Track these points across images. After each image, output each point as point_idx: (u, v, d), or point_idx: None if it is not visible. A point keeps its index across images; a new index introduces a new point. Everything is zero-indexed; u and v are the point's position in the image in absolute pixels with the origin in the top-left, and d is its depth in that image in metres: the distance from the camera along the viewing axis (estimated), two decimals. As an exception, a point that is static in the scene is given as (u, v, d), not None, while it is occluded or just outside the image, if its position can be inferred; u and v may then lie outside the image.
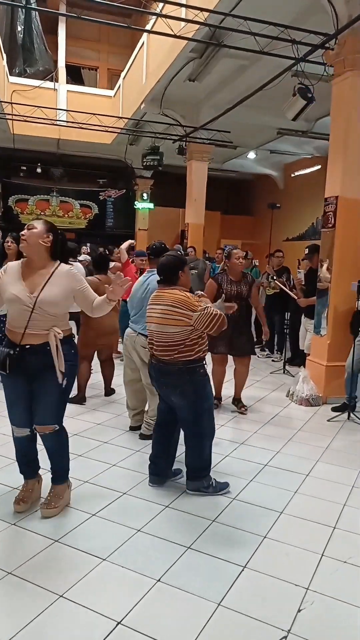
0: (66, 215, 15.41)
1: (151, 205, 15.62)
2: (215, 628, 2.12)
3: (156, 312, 3.21)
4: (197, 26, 6.02)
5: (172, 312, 3.13)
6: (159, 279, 3.32)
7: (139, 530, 2.82)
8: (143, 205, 15.54)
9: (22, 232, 2.86)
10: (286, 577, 2.47)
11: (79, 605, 2.21)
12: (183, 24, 6.18)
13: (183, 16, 6.00)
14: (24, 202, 14.99)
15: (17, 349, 2.76)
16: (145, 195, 15.31)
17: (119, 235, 16.84)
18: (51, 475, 3.04)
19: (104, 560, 2.54)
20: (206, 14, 5.59)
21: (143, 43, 9.89)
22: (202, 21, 5.66)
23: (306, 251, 6.51)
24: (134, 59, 10.88)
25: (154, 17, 7.73)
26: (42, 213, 15.11)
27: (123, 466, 3.67)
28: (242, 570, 2.51)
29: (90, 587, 2.34)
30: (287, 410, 5.26)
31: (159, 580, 2.40)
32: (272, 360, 7.82)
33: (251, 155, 13.69)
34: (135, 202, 15.69)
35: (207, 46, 6.98)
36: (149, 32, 6.51)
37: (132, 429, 4.41)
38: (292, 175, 15.64)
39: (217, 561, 2.57)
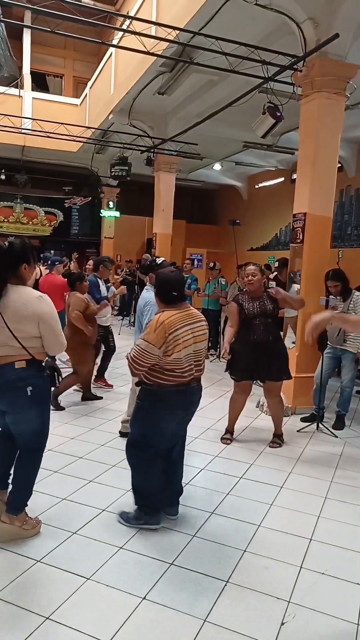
0: (30, 222, 15.21)
1: (117, 214, 15.61)
2: (202, 644, 2.16)
3: (201, 330, 3.06)
4: (165, 43, 6.13)
5: (206, 327, 3.15)
6: (173, 295, 3.00)
7: (121, 548, 2.83)
8: (109, 214, 15.51)
9: None
10: (268, 590, 2.55)
11: (67, 627, 2.21)
12: (149, 41, 6.29)
13: (153, 32, 6.10)
14: (-14, 209, 14.74)
15: None
16: (111, 203, 15.28)
17: (84, 242, 16.76)
18: None
19: (88, 579, 2.54)
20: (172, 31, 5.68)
21: (111, 54, 9.92)
22: (173, 38, 5.76)
23: (276, 264, 6.67)
24: (102, 69, 10.89)
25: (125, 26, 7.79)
26: (5, 220, 14.86)
27: (100, 482, 3.67)
28: (225, 585, 2.57)
29: (77, 607, 2.34)
30: (257, 422, 5.37)
31: (144, 598, 2.43)
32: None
33: (217, 166, 13.92)
34: (102, 210, 15.64)
35: (177, 61, 7.08)
36: (120, 47, 6.53)
37: (123, 435, 4.45)
38: (256, 186, 16.00)
39: (200, 577, 2.62)
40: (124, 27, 6.76)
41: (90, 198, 15.68)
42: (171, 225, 11.22)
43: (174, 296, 2.99)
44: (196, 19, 5.72)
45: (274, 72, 5.64)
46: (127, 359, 2.92)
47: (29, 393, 2.72)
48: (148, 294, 4.22)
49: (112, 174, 10.25)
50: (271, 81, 5.68)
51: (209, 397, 5.94)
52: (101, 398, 5.79)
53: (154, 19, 6.64)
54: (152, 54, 5.91)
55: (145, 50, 5.84)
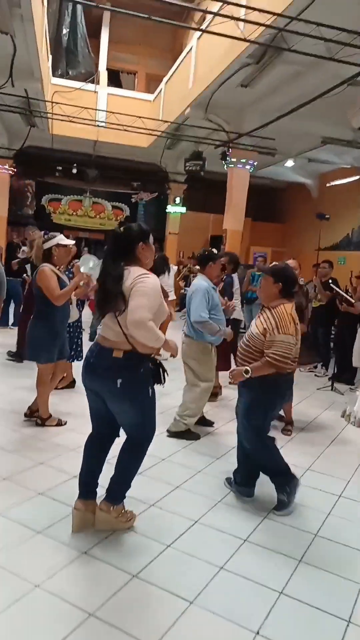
0: (98, 217, 15.32)
1: (183, 210, 15.46)
2: None
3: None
4: (257, 30, 5.82)
5: None
6: (293, 291, 3.27)
7: (221, 568, 2.59)
8: (175, 210, 15.38)
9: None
10: (339, 571, 2.58)
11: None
12: (240, 27, 5.99)
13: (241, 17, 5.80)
14: (57, 202, 14.94)
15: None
16: (178, 199, 15.15)
17: (150, 238, 16.68)
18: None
19: (191, 603, 2.32)
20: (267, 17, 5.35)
21: (191, 48, 9.70)
22: (266, 23, 5.44)
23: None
24: (180, 63, 10.71)
25: (209, 18, 7.54)
26: (74, 213, 15.04)
27: (187, 488, 3.45)
28: (298, 563, 2.30)
29: (183, 637, 2.12)
30: (346, 433, 4.99)
31: (257, 633, 2.18)
32: (316, 375, 7.55)
33: (289, 163, 13.43)
34: (168, 206, 15.54)
35: (265, 51, 6.76)
36: (211, 33, 6.21)
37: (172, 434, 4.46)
38: (328, 184, 15.35)
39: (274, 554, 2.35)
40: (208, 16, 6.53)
41: (156, 193, 15.62)
42: (242, 222, 10.95)
43: (294, 292, 3.27)
44: (294, 5, 5.37)
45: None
46: (273, 360, 2.98)
47: (118, 385, 2.60)
48: (201, 280, 4.39)
49: (187, 169, 10.06)
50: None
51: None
52: None
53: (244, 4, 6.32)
54: (247, 40, 5.60)
55: (238, 37, 5.56)
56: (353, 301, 6.22)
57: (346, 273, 10.74)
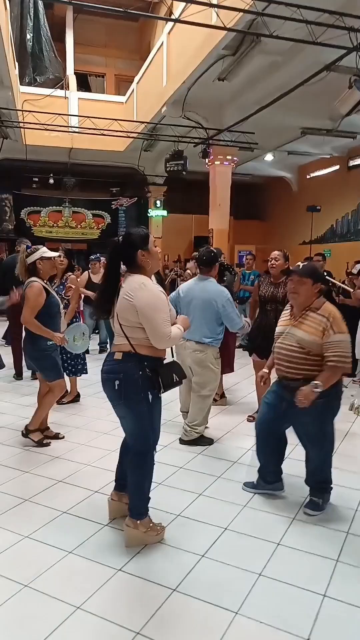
0: (79, 226, 15.09)
1: (165, 213, 15.34)
2: None
3: None
4: (234, 19, 5.72)
5: None
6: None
7: (260, 575, 2.47)
8: (156, 213, 15.26)
9: None
10: None
11: None
12: (214, 17, 5.88)
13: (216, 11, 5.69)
14: (36, 214, 14.65)
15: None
16: (158, 202, 15.04)
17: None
18: None
19: (237, 613, 2.20)
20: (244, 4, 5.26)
21: (162, 44, 9.59)
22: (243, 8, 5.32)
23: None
24: (151, 61, 10.60)
25: (180, 9, 7.38)
26: (54, 224, 14.80)
27: (210, 495, 3.32)
28: (336, 563, 2.19)
29: None
30: (357, 427, 4.89)
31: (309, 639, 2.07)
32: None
33: (268, 157, 13.36)
34: (149, 210, 15.40)
35: (241, 41, 6.68)
36: (186, 22, 6.08)
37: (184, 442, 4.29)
38: (308, 176, 15.34)
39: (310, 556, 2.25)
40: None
41: (136, 198, 15.47)
42: (228, 220, 10.85)
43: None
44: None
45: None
46: (338, 363, 2.84)
47: (116, 387, 2.60)
48: (217, 285, 4.17)
49: (168, 169, 9.93)
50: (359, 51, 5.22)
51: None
52: None
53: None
54: (224, 28, 5.49)
55: (214, 25, 5.45)
56: (351, 290, 6.16)
57: (334, 265, 10.70)
